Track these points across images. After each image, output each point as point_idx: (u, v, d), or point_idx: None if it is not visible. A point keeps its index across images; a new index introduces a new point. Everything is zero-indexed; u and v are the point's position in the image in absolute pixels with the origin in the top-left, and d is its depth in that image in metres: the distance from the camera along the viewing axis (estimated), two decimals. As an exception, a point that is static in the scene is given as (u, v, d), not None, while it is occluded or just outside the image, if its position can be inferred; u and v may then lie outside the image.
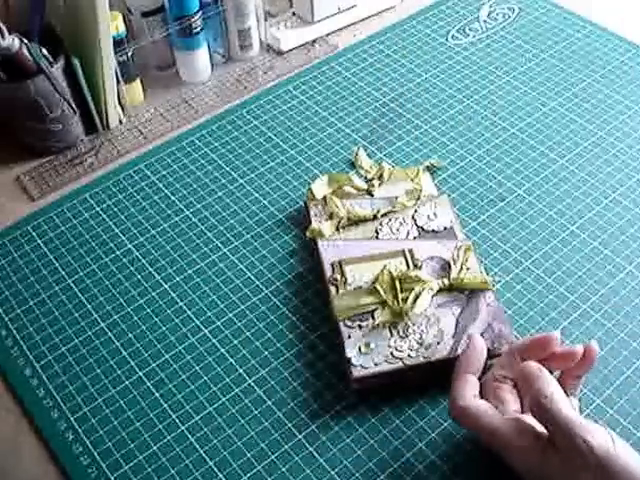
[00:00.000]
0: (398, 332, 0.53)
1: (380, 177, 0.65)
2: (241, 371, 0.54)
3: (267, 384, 0.53)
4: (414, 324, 0.53)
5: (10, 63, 0.64)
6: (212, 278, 0.60)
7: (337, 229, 0.60)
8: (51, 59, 0.67)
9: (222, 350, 0.55)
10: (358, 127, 0.73)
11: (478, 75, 0.78)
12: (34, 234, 0.64)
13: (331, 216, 0.61)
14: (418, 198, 0.63)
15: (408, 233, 0.59)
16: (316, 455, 0.49)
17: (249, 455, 0.50)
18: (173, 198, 0.67)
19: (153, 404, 0.53)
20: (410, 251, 0.57)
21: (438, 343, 0.52)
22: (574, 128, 0.71)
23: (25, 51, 0.64)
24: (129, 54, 0.73)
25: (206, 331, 0.57)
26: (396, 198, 0.62)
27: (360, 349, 0.52)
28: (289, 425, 0.51)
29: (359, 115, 0.74)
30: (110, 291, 0.60)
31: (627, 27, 0.83)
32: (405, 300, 0.54)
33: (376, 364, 0.51)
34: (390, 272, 0.55)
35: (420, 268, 0.56)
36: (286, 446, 0.50)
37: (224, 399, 0.53)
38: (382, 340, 0.52)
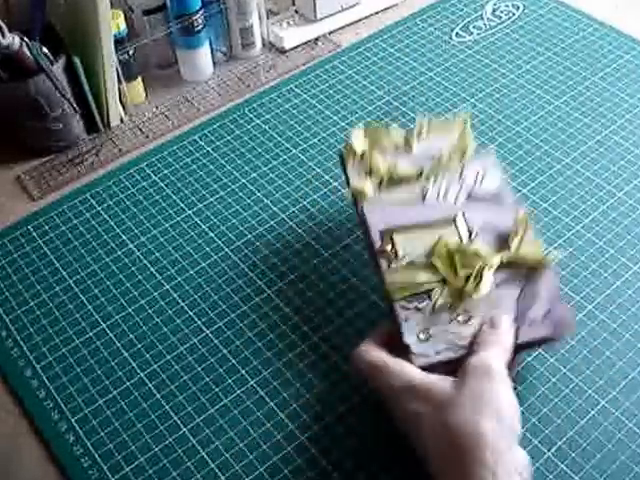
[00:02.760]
0: (457, 317, 0.48)
1: (419, 133, 0.57)
2: (243, 372, 0.54)
3: (269, 385, 0.53)
4: (474, 308, 0.48)
5: (11, 62, 0.64)
6: (214, 278, 0.60)
7: (378, 188, 0.54)
8: (52, 58, 0.66)
9: (224, 351, 0.55)
10: (361, 126, 0.72)
11: (482, 73, 0.78)
12: (35, 234, 0.64)
13: (370, 173, 0.55)
14: (464, 154, 0.55)
15: (456, 196, 0.53)
16: (319, 457, 0.49)
17: (251, 457, 0.49)
18: (175, 197, 0.67)
19: (154, 405, 0.52)
20: (462, 219, 0.51)
21: None
22: (578, 127, 0.71)
23: (26, 50, 0.64)
24: (130, 53, 0.72)
25: (208, 332, 0.56)
26: (439, 155, 0.55)
27: (419, 335, 0.47)
28: (291, 427, 0.51)
29: (362, 114, 0.74)
30: (111, 291, 0.59)
31: (632, 25, 0.82)
32: (467, 279, 0.48)
33: (437, 352, 0.47)
34: (447, 245, 0.49)
35: (475, 239, 0.50)
36: (289, 448, 0.50)
37: (226, 400, 0.52)
38: (441, 325, 0.47)
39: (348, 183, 0.55)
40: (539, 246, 0.50)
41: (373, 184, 0.54)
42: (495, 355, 0.45)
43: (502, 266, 0.49)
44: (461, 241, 0.50)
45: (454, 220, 0.51)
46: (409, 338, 0.47)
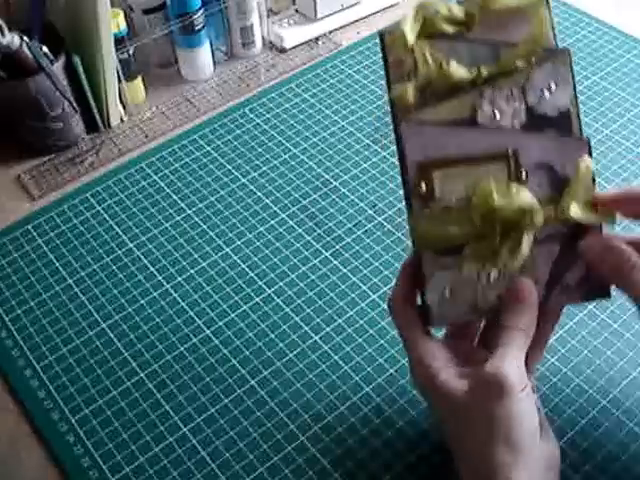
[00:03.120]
0: (488, 277, 0.43)
1: (482, 7, 0.44)
2: (244, 372, 0.54)
3: (270, 385, 0.53)
4: (507, 268, 0.43)
5: (10, 61, 0.64)
6: (214, 278, 0.60)
7: (423, 95, 0.43)
8: (52, 57, 0.66)
9: (224, 351, 0.55)
10: (362, 125, 0.72)
11: (482, 73, 0.77)
12: (35, 234, 0.64)
13: (410, 74, 0.44)
14: (535, 50, 0.44)
15: (514, 117, 0.44)
16: (319, 457, 0.49)
17: (252, 457, 0.49)
18: (175, 197, 0.67)
19: (155, 405, 0.52)
20: (515, 154, 0.43)
21: None
22: (579, 126, 0.71)
23: (25, 49, 0.64)
24: (130, 52, 0.72)
25: (208, 332, 0.56)
26: (502, 50, 0.44)
27: (442, 293, 0.43)
28: (292, 427, 0.51)
29: (363, 113, 0.74)
30: (111, 291, 0.59)
31: (633, 24, 0.82)
32: (503, 240, 0.43)
33: (457, 314, 0.44)
34: (488, 198, 0.42)
35: (525, 181, 0.43)
36: (289, 447, 0.50)
37: (226, 400, 0.52)
38: (467, 286, 0.43)
39: (389, 87, 0.44)
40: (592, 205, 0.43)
41: (417, 90, 0.43)
42: (510, 359, 0.41)
43: (548, 219, 0.43)
44: (509, 183, 0.43)
45: (506, 155, 0.44)
46: (431, 298, 0.43)
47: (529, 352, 0.43)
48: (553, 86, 0.44)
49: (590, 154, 0.44)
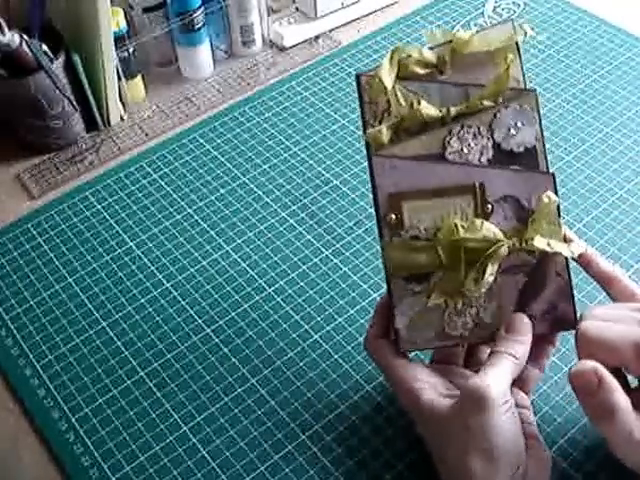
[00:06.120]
0: (453, 305, 0.46)
1: (453, 51, 0.48)
2: (244, 370, 0.54)
3: (270, 384, 0.53)
4: (472, 297, 0.46)
5: (10, 59, 0.64)
6: (214, 277, 0.60)
7: (397, 132, 0.47)
8: (51, 55, 0.66)
9: (225, 349, 0.55)
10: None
11: (483, 71, 0.77)
12: (34, 232, 0.64)
13: (384, 112, 0.47)
14: (499, 95, 0.46)
15: (482, 152, 0.47)
16: (320, 456, 0.49)
17: (252, 456, 0.49)
18: (175, 196, 0.66)
19: (155, 404, 0.52)
20: (481, 187, 0.46)
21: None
22: (580, 125, 0.70)
23: (25, 47, 0.64)
24: (130, 50, 0.72)
25: (208, 330, 0.56)
26: (471, 91, 0.47)
27: (411, 319, 0.46)
28: (293, 425, 0.51)
29: (363, 111, 0.73)
30: (111, 290, 0.59)
31: (634, 23, 0.82)
32: (468, 269, 0.45)
33: (426, 340, 0.46)
34: (453, 232, 0.45)
35: (490, 213, 0.45)
36: (290, 447, 0.50)
37: (227, 399, 0.52)
38: (434, 312, 0.46)
39: (364, 125, 0.47)
40: (557, 236, 0.45)
41: (390, 128, 0.47)
42: (495, 376, 0.42)
43: (513, 249, 0.45)
44: (473, 219, 0.45)
45: (473, 188, 0.46)
46: (400, 322, 0.46)
47: (527, 373, 0.46)
48: (519, 124, 0.47)
49: (555, 187, 0.46)
